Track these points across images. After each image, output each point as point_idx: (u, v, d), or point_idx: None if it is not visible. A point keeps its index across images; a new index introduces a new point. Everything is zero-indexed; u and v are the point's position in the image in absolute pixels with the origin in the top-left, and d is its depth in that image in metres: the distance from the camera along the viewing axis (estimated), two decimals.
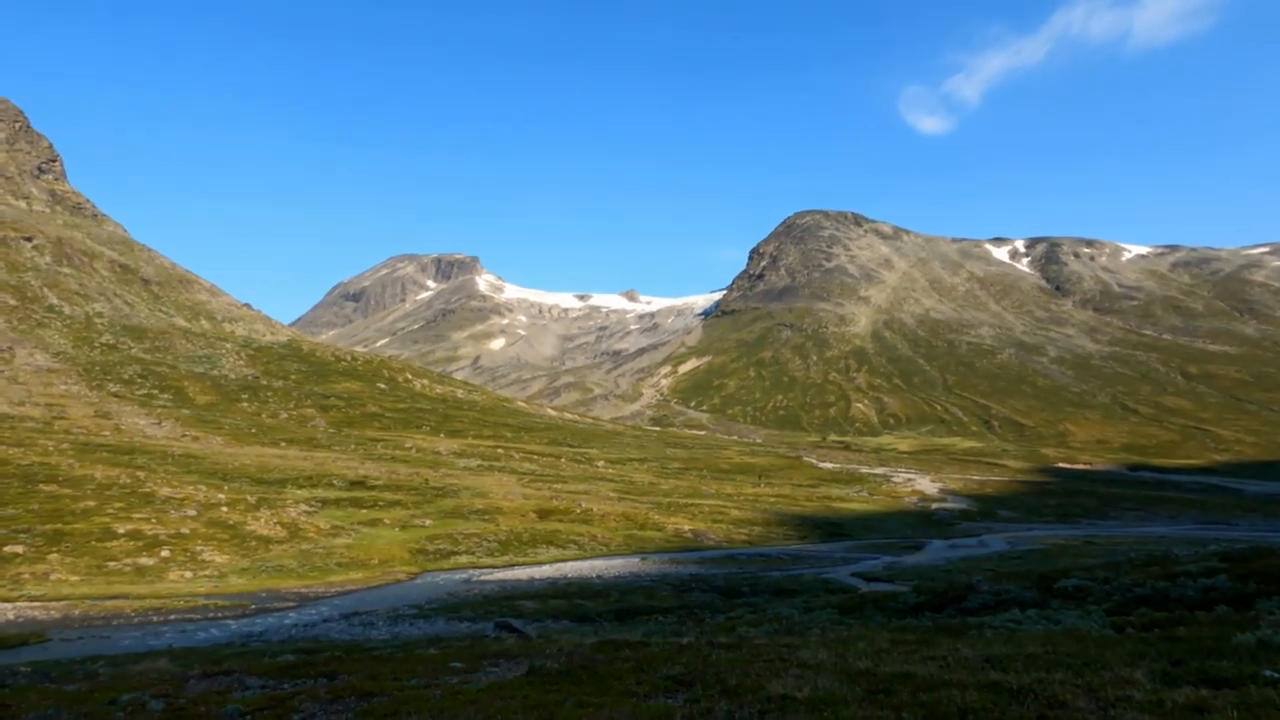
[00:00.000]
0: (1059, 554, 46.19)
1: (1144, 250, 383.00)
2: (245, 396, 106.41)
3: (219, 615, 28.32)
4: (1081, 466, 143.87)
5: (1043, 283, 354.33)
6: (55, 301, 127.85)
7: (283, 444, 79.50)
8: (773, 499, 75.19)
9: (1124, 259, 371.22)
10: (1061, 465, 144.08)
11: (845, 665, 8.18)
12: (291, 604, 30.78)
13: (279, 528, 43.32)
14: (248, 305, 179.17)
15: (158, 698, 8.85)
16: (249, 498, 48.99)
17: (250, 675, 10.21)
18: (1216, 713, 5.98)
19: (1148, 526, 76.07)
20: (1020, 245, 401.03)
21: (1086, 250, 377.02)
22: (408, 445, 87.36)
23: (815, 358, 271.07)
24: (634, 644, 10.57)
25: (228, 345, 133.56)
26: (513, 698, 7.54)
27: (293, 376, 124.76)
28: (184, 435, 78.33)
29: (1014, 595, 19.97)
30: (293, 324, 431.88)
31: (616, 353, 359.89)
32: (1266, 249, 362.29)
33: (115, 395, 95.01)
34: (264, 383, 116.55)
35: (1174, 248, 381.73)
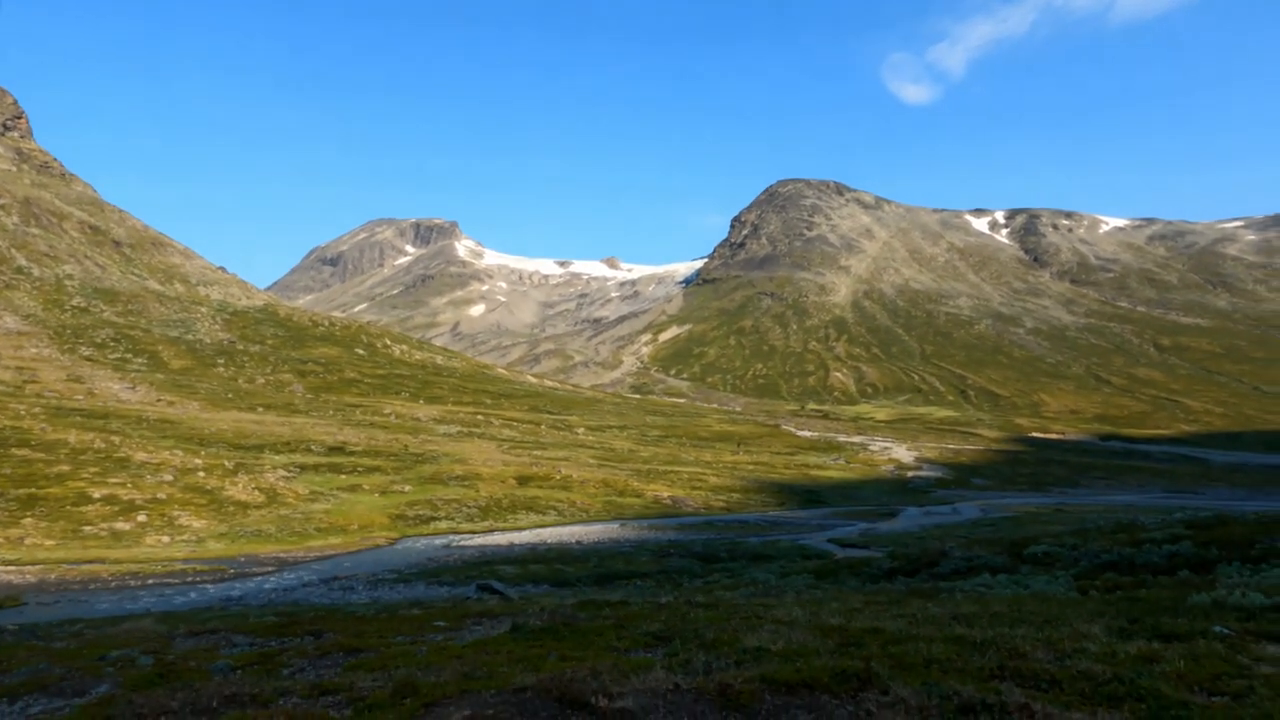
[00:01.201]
0: (1030, 521, 47.19)
1: (1121, 223, 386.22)
2: (221, 361, 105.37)
3: (197, 579, 28.36)
4: (1054, 436, 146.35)
5: (1021, 254, 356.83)
6: (24, 263, 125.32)
7: (260, 409, 79.01)
8: (751, 466, 76.00)
9: (1101, 231, 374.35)
10: (1035, 435, 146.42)
11: (818, 622, 8.49)
12: (270, 569, 30.89)
13: (257, 493, 43.30)
14: (222, 269, 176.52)
15: (147, 654, 8.98)
16: (226, 463, 48.83)
17: (236, 634, 10.36)
18: (1165, 662, 6.34)
19: (1117, 495, 77.79)
20: (1000, 216, 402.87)
21: (1065, 222, 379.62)
22: (387, 411, 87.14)
23: (795, 327, 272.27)
24: (614, 603, 10.83)
25: (202, 309, 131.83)
26: (498, 652, 7.76)
27: (269, 341, 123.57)
28: (159, 400, 77.59)
29: (985, 561, 20.50)
30: (269, 288, 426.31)
31: (597, 320, 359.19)
32: (1240, 223, 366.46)
33: (87, 359, 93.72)
34: (240, 348, 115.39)
35: (1150, 220, 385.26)
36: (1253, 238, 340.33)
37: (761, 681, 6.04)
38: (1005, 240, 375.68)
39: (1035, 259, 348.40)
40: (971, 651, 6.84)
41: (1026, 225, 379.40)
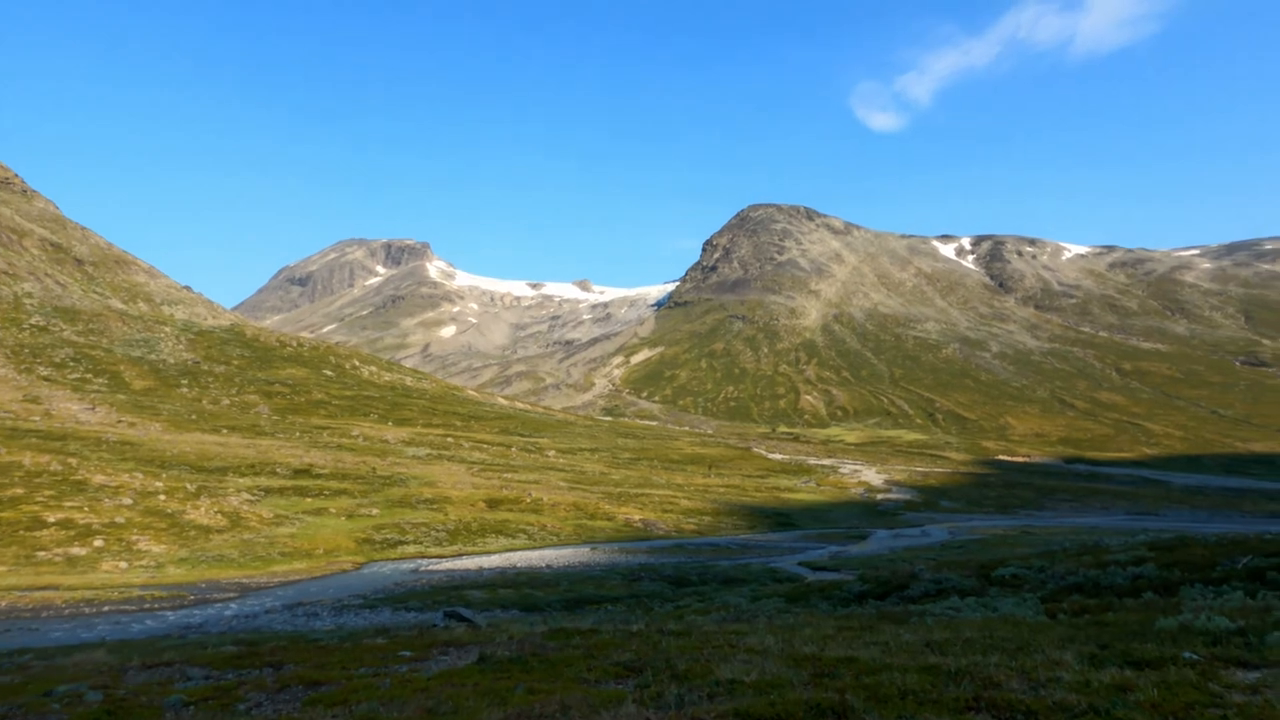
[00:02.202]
0: (997, 544, 47.63)
1: (1083, 250, 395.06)
2: (185, 382, 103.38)
3: (155, 606, 27.57)
4: (1020, 459, 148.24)
5: (987, 280, 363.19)
6: None
7: (224, 431, 77.52)
8: (722, 489, 75.95)
9: (1064, 258, 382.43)
10: (1001, 457, 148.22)
11: (791, 650, 8.38)
12: (232, 595, 30.15)
13: (220, 517, 42.31)
14: (188, 288, 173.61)
15: (96, 689, 8.57)
16: (188, 486, 47.72)
17: (192, 666, 9.96)
18: (1139, 691, 6.31)
19: (1081, 517, 78.83)
20: (966, 243, 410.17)
21: (1029, 249, 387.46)
22: (354, 433, 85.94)
23: (766, 350, 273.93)
24: (584, 631, 10.63)
25: (167, 329, 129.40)
26: (464, 685, 7.53)
27: (235, 362, 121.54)
28: (119, 421, 75.80)
29: (954, 583, 20.57)
30: (236, 308, 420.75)
31: (569, 342, 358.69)
32: (1197, 251, 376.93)
33: (45, 379, 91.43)
34: (205, 368, 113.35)
35: (1111, 248, 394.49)
36: (1208, 266, 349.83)
37: (735, 717, 5.92)
38: (971, 266, 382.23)
39: (1000, 284, 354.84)
40: (946, 681, 6.78)
41: (992, 251, 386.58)
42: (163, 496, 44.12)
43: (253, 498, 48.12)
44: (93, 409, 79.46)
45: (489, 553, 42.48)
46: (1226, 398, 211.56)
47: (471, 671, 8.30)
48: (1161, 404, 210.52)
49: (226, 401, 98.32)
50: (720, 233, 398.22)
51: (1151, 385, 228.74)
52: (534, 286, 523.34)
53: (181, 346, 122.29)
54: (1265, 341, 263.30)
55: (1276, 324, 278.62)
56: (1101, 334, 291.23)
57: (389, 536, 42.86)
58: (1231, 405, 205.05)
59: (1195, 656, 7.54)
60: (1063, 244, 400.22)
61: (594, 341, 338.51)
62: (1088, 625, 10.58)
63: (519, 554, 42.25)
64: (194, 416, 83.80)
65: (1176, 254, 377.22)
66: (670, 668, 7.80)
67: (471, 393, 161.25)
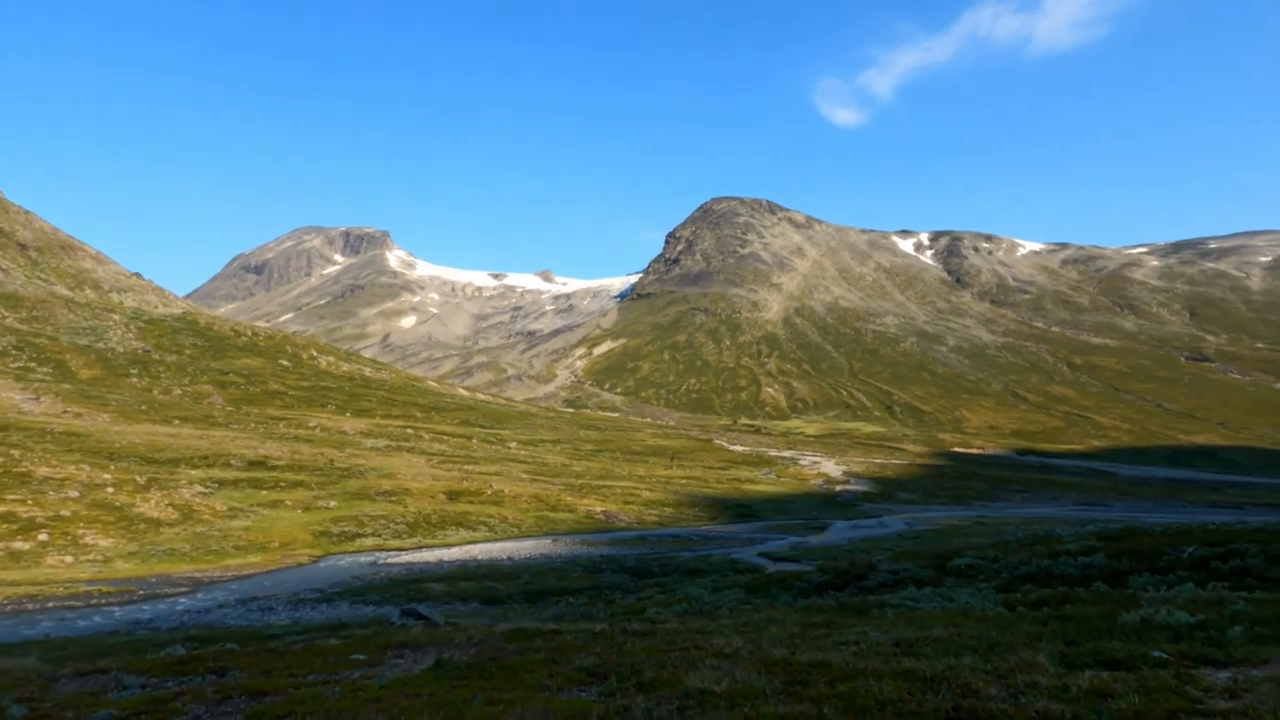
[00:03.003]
0: (953, 534, 48.36)
1: (1037, 246, 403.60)
2: (135, 371, 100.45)
3: (103, 602, 26.72)
4: (975, 451, 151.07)
5: (944, 275, 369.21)
6: None
7: (176, 422, 75.49)
8: (684, 481, 76.07)
9: (1019, 254, 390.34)
10: (957, 449, 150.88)
11: (761, 654, 8.17)
12: (184, 589, 29.37)
13: (170, 509, 41.17)
14: (138, 275, 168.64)
15: (20, 702, 8.01)
16: (138, 478, 46.34)
17: (129, 673, 9.42)
18: (1119, 697, 6.19)
19: (1033, 508, 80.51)
20: (925, 238, 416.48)
21: (985, 245, 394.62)
22: (312, 424, 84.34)
23: (728, 342, 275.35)
24: (546, 633, 10.34)
25: (115, 317, 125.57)
26: (418, 695, 7.18)
27: (188, 351, 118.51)
28: (65, 412, 73.36)
29: (911, 574, 20.73)
30: (188, 296, 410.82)
31: (531, 333, 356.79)
32: (1145, 249, 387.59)
33: None
34: (156, 357, 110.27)
35: (1064, 245, 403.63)
36: (1156, 264, 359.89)
37: None
38: (929, 261, 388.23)
39: (957, 280, 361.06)
40: (924, 689, 6.63)
41: (949, 247, 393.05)
42: (111, 489, 42.78)
43: (205, 490, 46.93)
44: (37, 399, 76.80)
45: (449, 545, 42.01)
46: (1171, 392, 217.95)
47: (427, 679, 7.94)
48: (1110, 397, 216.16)
49: (178, 392, 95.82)
50: (683, 225, 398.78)
51: (1101, 379, 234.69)
52: (496, 277, 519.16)
53: (131, 335, 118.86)
54: (1209, 337, 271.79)
55: (1219, 320, 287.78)
56: (1054, 329, 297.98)
57: (347, 529, 42.13)
58: (1176, 399, 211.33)
59: (1165, 655, 7.51)
60: (1018, 240, 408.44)
61: (556, 333, 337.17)
62: (1050, 619, 10.60)
63: (479, 546, 41.84)
64: (144, 407, 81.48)
65: (1126, 252, 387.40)
66: (636, 674, 7.51)
67: (432, 383, 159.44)
